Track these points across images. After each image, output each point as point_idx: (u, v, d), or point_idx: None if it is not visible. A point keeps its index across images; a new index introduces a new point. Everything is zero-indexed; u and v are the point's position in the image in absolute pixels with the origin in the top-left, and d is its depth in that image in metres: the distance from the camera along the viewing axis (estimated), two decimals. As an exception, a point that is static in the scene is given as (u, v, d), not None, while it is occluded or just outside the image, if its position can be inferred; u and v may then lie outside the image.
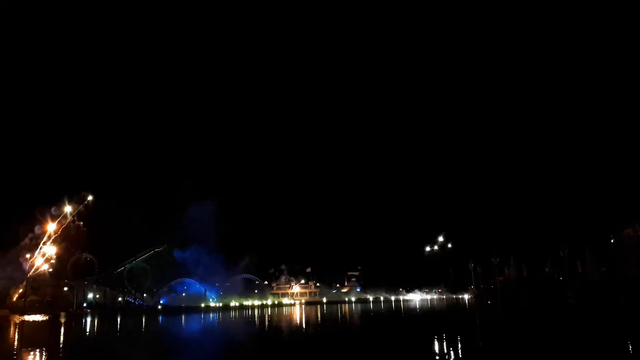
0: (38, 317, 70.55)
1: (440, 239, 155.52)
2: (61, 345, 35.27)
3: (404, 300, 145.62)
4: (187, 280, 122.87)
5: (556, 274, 75.70)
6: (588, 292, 64.84)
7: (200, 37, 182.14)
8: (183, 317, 76.09)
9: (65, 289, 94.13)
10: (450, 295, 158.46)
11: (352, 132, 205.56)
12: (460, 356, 24.21)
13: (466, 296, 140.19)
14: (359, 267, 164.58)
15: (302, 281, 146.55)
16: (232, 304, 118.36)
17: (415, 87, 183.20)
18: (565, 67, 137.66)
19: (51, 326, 55.68)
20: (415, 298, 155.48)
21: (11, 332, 47.59)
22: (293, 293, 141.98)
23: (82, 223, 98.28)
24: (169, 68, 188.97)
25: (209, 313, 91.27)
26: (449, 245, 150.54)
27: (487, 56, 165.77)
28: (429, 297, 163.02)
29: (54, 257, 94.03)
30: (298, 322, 60.01)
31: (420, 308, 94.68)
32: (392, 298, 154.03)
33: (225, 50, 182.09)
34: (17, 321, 63.47)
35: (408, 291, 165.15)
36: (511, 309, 64.38)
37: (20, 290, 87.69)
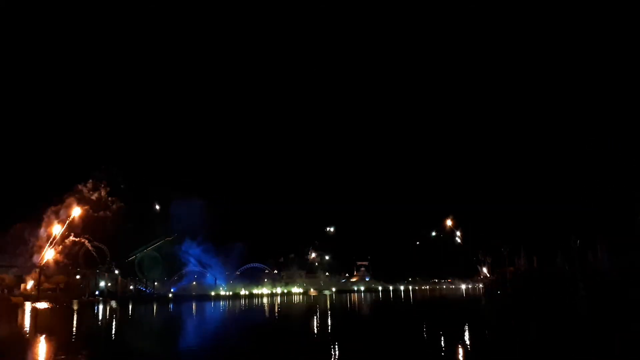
0: (51, 305, 71.55)
1: (449, 225, 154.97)
2: (74, 331, 35.83)
3: (413, 290, 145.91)
4: (197, 268, 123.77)
5: (567, 265, 75.11)
6: (599, 283, 64.33)
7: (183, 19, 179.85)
8: (193, 304, 76.86)
9: (78, 277, 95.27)
10: (460, 286, 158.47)
11: (362, 117, 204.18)
12: (468, 348, 24.21)
13: (475, 286, 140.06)
14: (368, 257, 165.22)
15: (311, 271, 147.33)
16: (242, 292, 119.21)
17: (422, 73, 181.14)
18: (577, 51, 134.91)
19: (64, 313, 56.47)
20: (425, 287, 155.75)
21: (26, 319, 48.38)
22: (302, 282, 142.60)
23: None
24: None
25: (219, 301, 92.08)
26: (459, 234, 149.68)
27: (499, 39, 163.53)
28: (438, 286, 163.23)
29: (68, 245, 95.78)
30: (306, 310, 60.36)
31: (429, 297, 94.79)
32: (402, 287, 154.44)
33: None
34: (31, 308, 64.47)
35: (417, 281, 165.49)
36: (521, 300, 64.18)
37: (34, 278, 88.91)
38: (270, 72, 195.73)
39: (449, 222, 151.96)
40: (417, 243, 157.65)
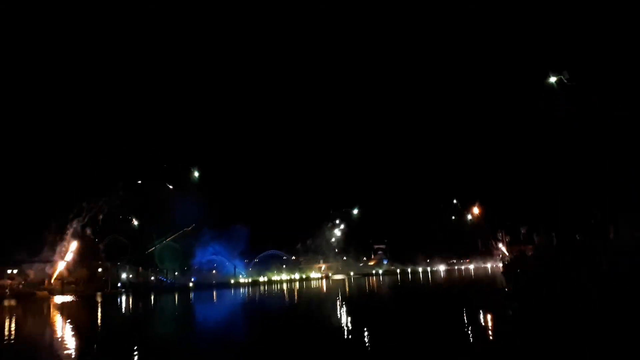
0: (76, 298, 73.06)
1: (467, 204, 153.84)
2: (100, 322, 36.54)
3: (431, 272, 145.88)
4: (217, 257, 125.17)
5: (587, 241, 74.15)
6: (620, 259, 63.41)
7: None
8: (214, 293, 77.82)
9: (100, 270, 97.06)
10: (479, 265, 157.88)
11: (377, 97, 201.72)
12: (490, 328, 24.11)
13: (494, 265, 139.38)
14: (385, 240, 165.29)
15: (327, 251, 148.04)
16: (261, 279, 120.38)
17: (450, 51, 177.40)
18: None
19: (89, 305, 57.59)
20: (442, 268, 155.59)
21: (54, 312, 49.42)
22: (320, 267, 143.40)
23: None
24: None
25: (239, 289, 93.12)
26: (476, 212, 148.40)
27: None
28: (456, 266, 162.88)
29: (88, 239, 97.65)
30: (325, 294, 60.70)
31: (449, 279, 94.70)
32: (420, 269, 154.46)
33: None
34: (57, 302, 65.84)
35: (435, 262, 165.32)
36: (541, 277, 63.68)
37: (57, 272, 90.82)
38: (288, 51, 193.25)
39: (466, 202, 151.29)
40: (434, 224, 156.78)
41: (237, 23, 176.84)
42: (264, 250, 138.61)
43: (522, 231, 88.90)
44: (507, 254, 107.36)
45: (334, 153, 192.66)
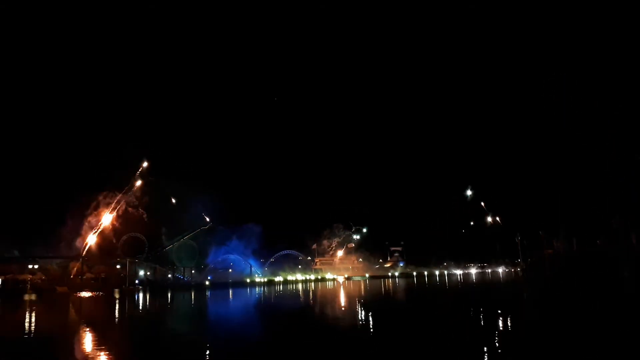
0: (94, 294, 74.05)
1: (486, 211, 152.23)
2: (117, 318, 36.96)
3: (448, 275, 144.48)
4: (233, 256, 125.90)
5: (609, 247, 72.75)
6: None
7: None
8: (230, 291, 78.20)
9: (118, 266, 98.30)
10: (497, 269, 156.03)
11: (392, 97, 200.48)
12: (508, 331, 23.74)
13: (512, 270, 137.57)
14: (402, 243, 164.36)
15: (342, 252, 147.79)
16: (277, 279, 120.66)
17: (459, 48, 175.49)
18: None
19: (108, 301, 58.32)
20: (459, 272, 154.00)
21: (75, 308, 50.15)
22: (336, 268, 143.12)
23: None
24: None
25: (255, 288, 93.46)
26: (496, 219, 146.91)
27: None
28: (474, 271, 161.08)
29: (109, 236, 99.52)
30: (340, 296, 60.51)
31: (465, 283, 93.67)
32: (437, 272, 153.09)
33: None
34: (76, 297, 66.82)
35: (452, 266, 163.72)
36: (560, 284, 62.68)
37: (76, 269, 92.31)
38: (300, 50, 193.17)
39: (483, 205, 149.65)
40: (452, 228, 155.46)
41: (253, 27, 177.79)
42: (279, 250, 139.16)
43: (542, 236, 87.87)
44: (526, 259, 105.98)
45: (351, 153, 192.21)
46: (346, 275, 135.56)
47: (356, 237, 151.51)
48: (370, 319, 32.61)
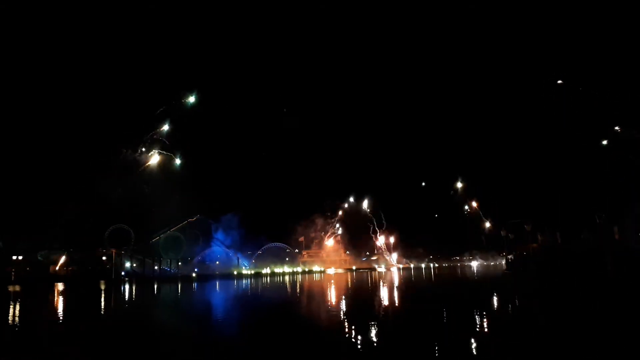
0: (79, 285, 73.45)
1: (470, 202, 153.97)
2: (103, 309, 36.74)
3: (434, 268, 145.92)
4: (220, 248, 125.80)
5: (592, 241, 73.79)
6: (626, 260, 63.05)
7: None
8: (217, 283, 78.10)
9: (104, 258, 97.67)
10: (482, 262, 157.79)
11: (382, 85, 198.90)
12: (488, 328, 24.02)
13: (497, 263, 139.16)
14: (389, 236, 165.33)
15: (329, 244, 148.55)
16: (264, 271, 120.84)
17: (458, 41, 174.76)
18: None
19: (93, 293, 57.91)
20: (446, 265, 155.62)
21: (59, 299, 49.72)
22: (322, 260, 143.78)
23: None
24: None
25: (242, 280, 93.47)
26: (481, 212, 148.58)
27: None
28: (459, 263, 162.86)
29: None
30: (326, 286, 60.76)
31: (451, 275, 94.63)
32: (422, 265, 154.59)
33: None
34: (61, 288, 66.26)
35: (438, 258, 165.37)
36: (544, 277, 63.55)
37: (62, 260, 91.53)
38: (285, 42, 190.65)
39: (470, 200, 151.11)
40: (437, 220, 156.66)
41: (239, 20, 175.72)
42: (266, 242, 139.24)
43: (527, 229, 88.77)
44: (510, 252, 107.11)
45: (334, 143, 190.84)
46: (332, 268, 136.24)
47: (342, 230, 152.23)
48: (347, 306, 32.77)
